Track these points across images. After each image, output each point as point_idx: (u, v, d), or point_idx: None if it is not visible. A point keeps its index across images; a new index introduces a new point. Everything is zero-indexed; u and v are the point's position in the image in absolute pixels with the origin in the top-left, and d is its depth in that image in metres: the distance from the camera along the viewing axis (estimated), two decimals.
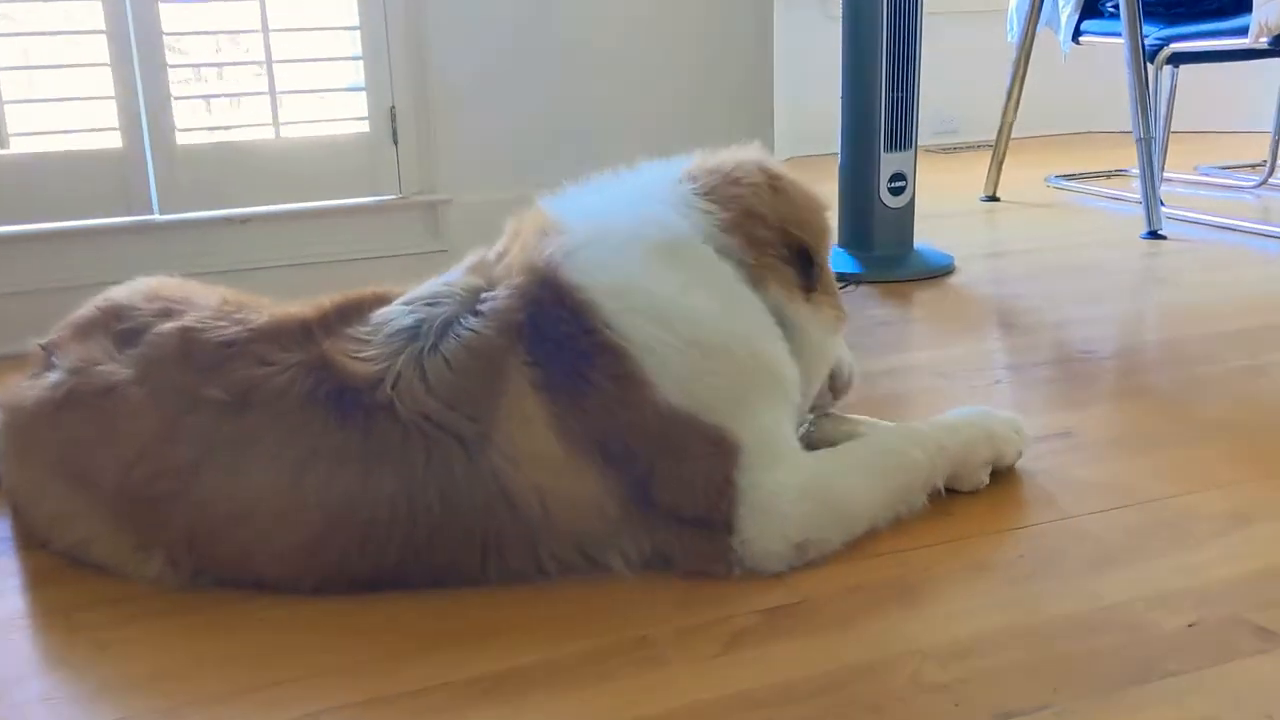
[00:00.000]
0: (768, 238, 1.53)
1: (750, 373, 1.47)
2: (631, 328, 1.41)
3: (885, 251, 3.15)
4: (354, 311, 1.50)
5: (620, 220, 1.50)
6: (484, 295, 1.45)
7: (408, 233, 2.81)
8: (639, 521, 1.43)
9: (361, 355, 1.42)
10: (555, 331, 1.41)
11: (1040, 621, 1.34)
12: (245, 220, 2.67)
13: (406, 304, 1.49)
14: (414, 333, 1.44)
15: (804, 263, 1.56)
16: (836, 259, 3.17)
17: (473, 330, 1.41)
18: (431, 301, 1.48)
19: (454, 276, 1.52)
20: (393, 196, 2.79)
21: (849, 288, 2.99)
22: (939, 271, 3.12)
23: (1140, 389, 2.18)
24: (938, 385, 2.22)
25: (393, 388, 1.39)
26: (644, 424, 1.40)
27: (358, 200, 2.77)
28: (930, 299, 2.94)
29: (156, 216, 2.62)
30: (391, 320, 1.46)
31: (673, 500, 1.42)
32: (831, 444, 1.60)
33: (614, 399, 1.40)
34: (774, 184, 1.57)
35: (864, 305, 2.88)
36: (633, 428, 1.40)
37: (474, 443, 1.38)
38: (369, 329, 1.46)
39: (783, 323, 1.54)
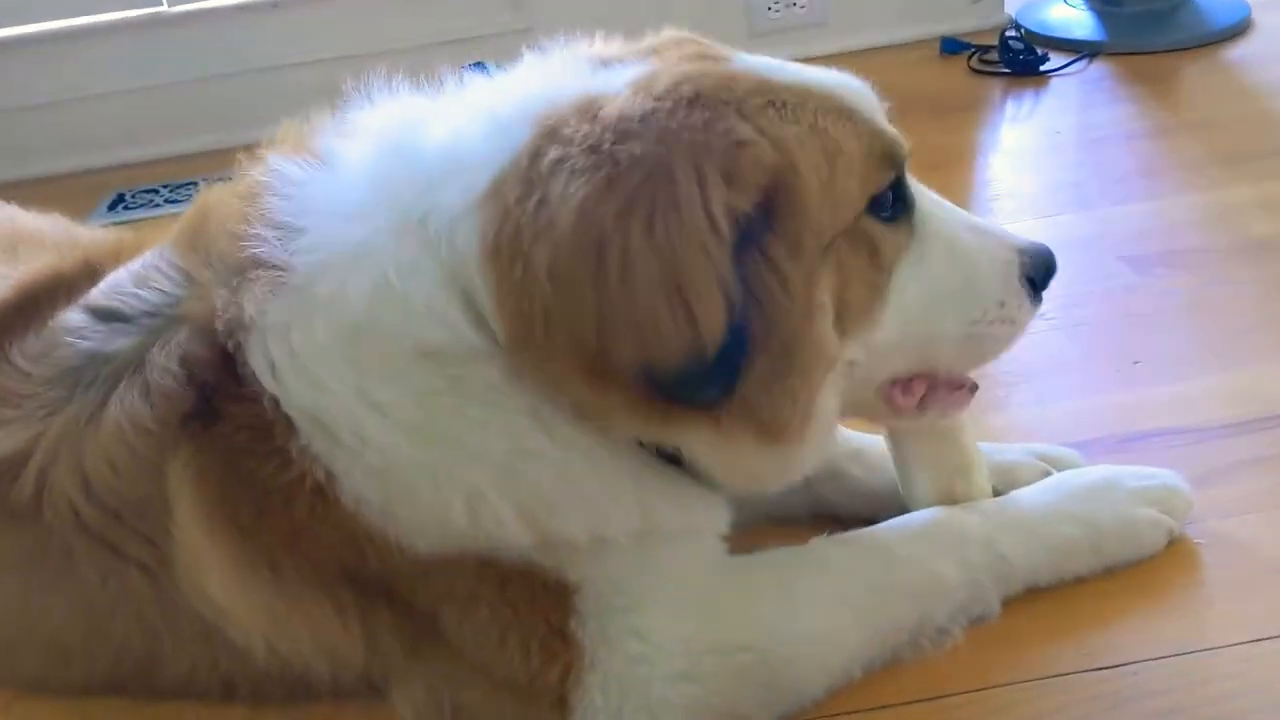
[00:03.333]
0: (574, 380, 0.82)
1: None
2: (348, 479, 0.86)
3: (1143, 4, 2.23)
4: (43, 303, 1.02)
5: (361, 275, 0.85)
6: (166, 335, 0.92)
7: (480, 8, 2.24)
8: (438, 668, 0.94)
9: (7, 413, 0.96)
10: (233, 439, 0.88)
11: None
12: (275, 5, 2.19)
13: (89, 313, 0.98)
14: (77, 380, 0.95)
15: (657, 387, 0.80)
16: (1072, 18, 2.28)
17: (131, 419, 0.90)
18: (114, 319, 0.96)
19: (161, 259, 0.99)
20: None
21: (1078, 63, 2.13)
22: (1222, 35, 2.18)
23: None
24: (1137, 286, 1.46)
25: (39, 485, 0.93)
26: (395, 569, 0.88)
27: None
28: (1197, 85, 2.07)
29: (165, 8, 2.24)
30: (61, 345, 0.97)
31: (477, 654, 0.91)
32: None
33: (340, 544, 0.88)
34: (568, 267, 0.78)
35: (1087, 98, 2.05)
36: (385, 569, 0.89)
37: (158, 571, 0.93)
38: (38, 348, 0.98)
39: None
